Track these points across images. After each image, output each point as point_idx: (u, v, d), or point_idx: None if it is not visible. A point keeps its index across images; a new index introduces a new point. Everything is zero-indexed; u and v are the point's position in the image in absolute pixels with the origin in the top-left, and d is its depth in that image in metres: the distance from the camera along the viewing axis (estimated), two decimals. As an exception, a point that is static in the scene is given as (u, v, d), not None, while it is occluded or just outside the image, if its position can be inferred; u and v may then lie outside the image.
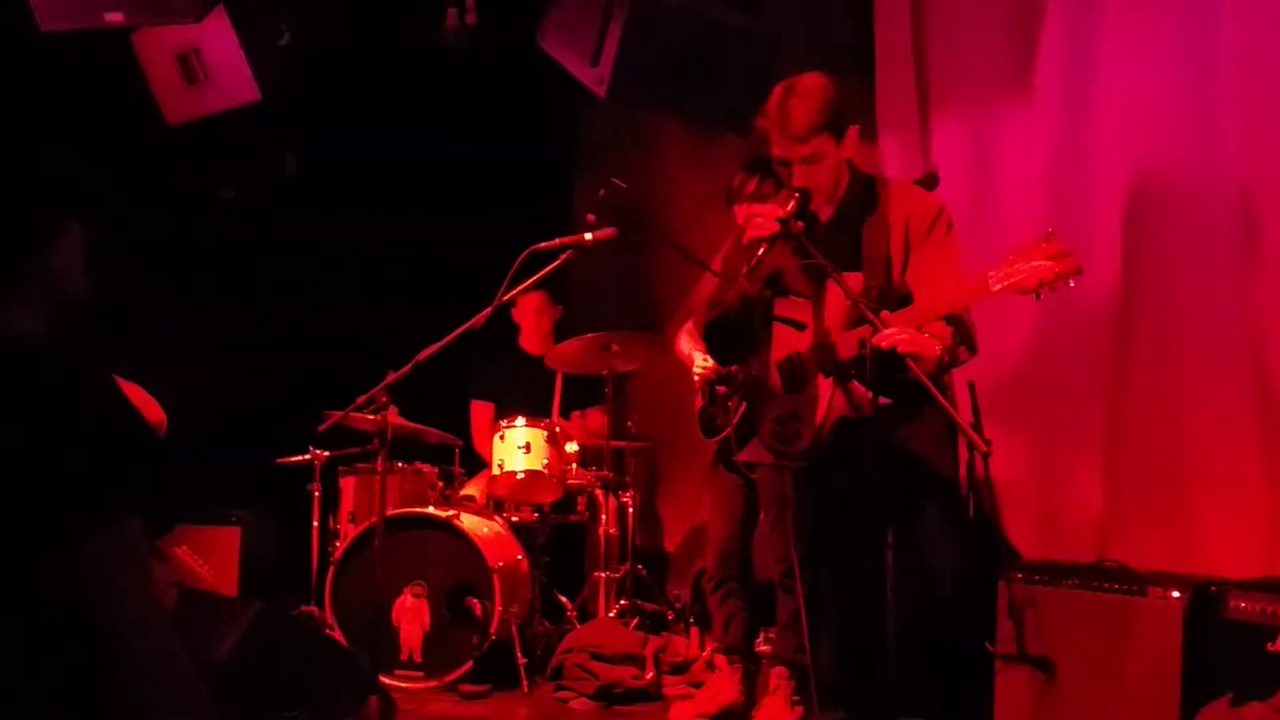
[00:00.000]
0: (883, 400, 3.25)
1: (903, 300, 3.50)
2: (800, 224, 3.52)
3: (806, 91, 3.45)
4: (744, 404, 4.55)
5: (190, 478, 1.99)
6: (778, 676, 4.56)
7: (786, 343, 3.61)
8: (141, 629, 1.79)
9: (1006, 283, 3.12)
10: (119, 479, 1.81)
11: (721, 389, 4.68)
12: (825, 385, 3.44)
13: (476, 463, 6.01)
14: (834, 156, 3.50)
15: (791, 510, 3.60)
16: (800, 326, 3.52)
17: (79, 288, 2.11)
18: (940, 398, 3.07)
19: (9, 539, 1.71)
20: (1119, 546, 4.33)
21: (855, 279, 3.44)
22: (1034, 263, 3.08)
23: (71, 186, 2.10)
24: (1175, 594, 3.69)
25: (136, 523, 1.83)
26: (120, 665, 1.75)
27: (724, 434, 4.63)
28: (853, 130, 3.51)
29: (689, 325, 5.06)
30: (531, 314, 6.21)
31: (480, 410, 6.30)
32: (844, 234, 3.56)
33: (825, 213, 3.61)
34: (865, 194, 3.61)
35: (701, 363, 4.78)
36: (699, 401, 4.83)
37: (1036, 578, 3.98)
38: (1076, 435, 4.58)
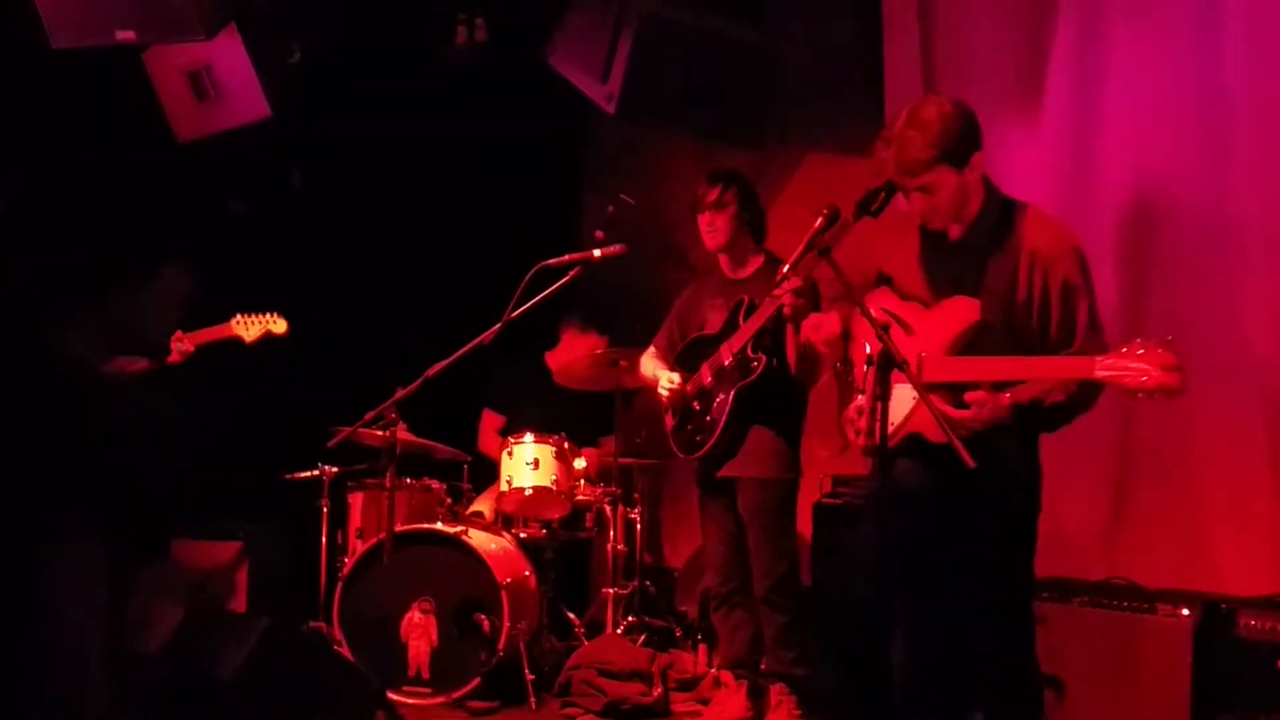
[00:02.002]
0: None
1: (1019, 339, 3.34)
2: (827, 239, 3.43)
3: (924, 122, 3.34)
4: (722, 419, 4.55)
5: (165, 511, 2.00)
6: (777, 692, 4.56)
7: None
8: (64, 632, 1.80)
9: (1110, 374, 3.01)
10: (98, 504, 1.82)
11: (695, 405, 4.68)
12: (907, 394, 3.29)
13: (485, 478, 6.01)
14: (953, 184, 3.37)
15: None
16: (907, 328, 3.42)
17: (162, 333, 2.11)
18: (933, 410, 3.02)
19: None
20: (1128, 564, 4.33)
21: (973, 307, 3.34)
22: (1143, 365, 2.98)
23: (183, 238, 2.09)
24: (1185, 612, 3.68)
25: (93, 552, 1.84)
26: (36, 659, 1.76)
27: (703, 451, 4.63)
28: (976, 155, 3.38)
29: (651, 348, 5.05)
30: (585, 354, 5.95)
31: (490, 419, 6.42)
32: (967, 258, 3.43)
33: (954, 232, 3.47)
34: (999, 218, 3.45)
35: (667, 382, 4.78)
36: (670, 421, 4.82)
37: (1045, 595, 3.97)
38: (1085, 452, 4.57)
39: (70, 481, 1.78)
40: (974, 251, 3.43)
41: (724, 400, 4.54)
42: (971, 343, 3.29)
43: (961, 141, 3.36)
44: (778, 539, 4.57)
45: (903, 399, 3.29)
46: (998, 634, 3.39)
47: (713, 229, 4.68)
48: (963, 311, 3.34)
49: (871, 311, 3.28)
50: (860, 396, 3.43)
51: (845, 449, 3.55)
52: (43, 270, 1.91)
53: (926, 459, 3.31)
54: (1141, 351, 3.00)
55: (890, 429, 3.24)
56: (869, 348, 3.48)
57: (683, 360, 4.83)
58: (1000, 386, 3.23)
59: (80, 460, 1.79)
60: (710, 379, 4.62)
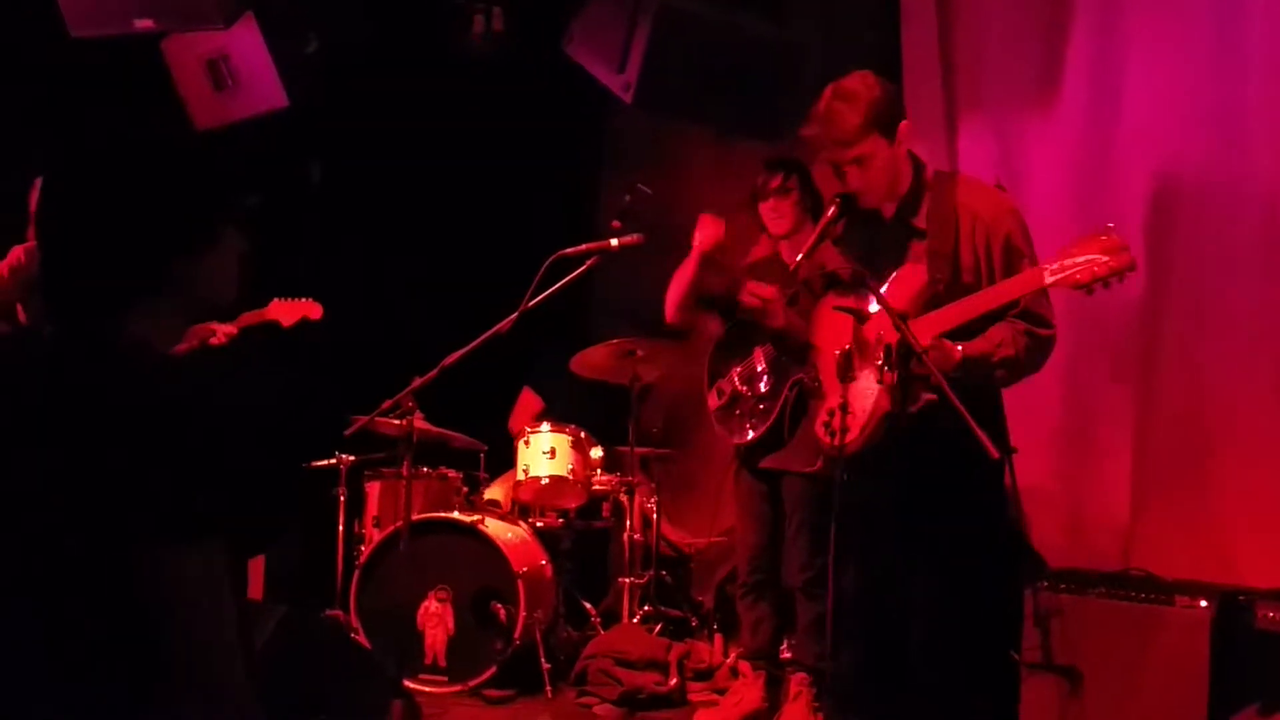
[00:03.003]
0: (932, 397, 3.20)
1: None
2: (839, 228, 3.49)
3: (850, 94, 3.38)
4: (777, 407, 4.54)
5: (283, 508, 1.91)
6: (798, 683, 4.56)
7: (847, 333, 3.48)
8: (205, 656, 1.76)
9: (1061, 275, 3.03)
10: (210, 507, 1.76)
11: (744, 389, 4.67)
12: (873, 380, 3.30)
13: (502, 463, 6.00)
14: (885, 154, 3.40)
15: (835, 513, 3.53)
16: (863, 317, 3.44)
17: (225, 298, 2.04)
18: (954, 400, 3.01)
19: (78, 549, 1.68)
20: (1146, 555, 4.31)
21: (919, 270, 3.36)
22: (1090, 256, 3.00)
23: (232, 192, 2.02)
24: (1203, 603, 3.66)
25: (219, 549, 1.80)
26: (173, 686, 1.72)
27: (753, 438, 4.62)
28: (904, 125, 3.41)
29: None
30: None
31: (529, 399, 6.45)
32: (906, 231, 3.47)
33: (888, 210, 3.50)
34: (932, 188, 3.48)
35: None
36: (713, 401, 4.81)
37: (1063, 586, 3.95)
38: (1104, 442, 4.56)
39: (175, 478, 1.71)
40: (912, 224, 3.45)
41: (779, 389, 4.53)
42: (929, 302, 3.29)
43: (889, 110, 3.39)
44: (818, 532, 4.55)
45: (867, 390, 3.30)
46: (969, 631, 3.40)
47: (778, 215, 4.66)
48: (910, 277, 3.35)
49: (828, 310, 3.43)
50: (830, 398, 3.44)
51: (823, 462, 3.57)
52: (100, 254, 1.83)
53: (895, 451, 3.31)
54: (1084, 244, 3.02)
55: (862, 420, 3.27)
56: (884, 341, 3.47)
57: (731, 340, 4.81)
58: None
59: (182, 454, 1.72)
60: (763, 365, 4.60)
